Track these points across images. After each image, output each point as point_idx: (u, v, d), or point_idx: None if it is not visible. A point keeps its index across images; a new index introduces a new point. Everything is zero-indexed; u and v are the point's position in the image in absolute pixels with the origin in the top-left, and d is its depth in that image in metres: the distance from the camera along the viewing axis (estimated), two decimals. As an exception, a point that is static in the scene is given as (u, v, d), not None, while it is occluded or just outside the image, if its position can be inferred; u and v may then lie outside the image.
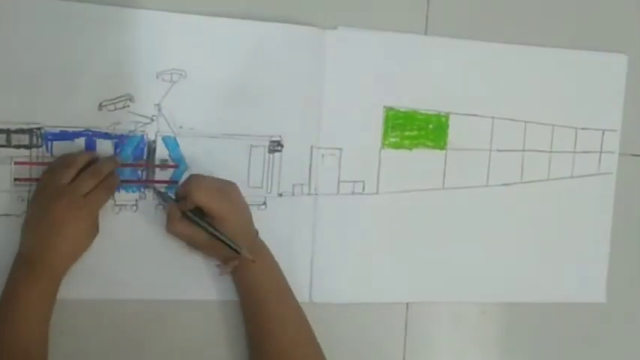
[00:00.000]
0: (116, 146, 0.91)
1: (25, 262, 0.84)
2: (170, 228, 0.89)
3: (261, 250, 0.92)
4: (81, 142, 0.90)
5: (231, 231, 0.87)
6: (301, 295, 0.98)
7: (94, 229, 0.88)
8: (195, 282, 0.95)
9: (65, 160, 0.87)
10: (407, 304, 1.04)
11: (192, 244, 0.91)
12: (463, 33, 1.03)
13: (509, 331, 1.09)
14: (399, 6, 1.02)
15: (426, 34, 1.03)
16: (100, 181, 0.86)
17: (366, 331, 1.04)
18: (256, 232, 0.93)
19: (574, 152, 1.08)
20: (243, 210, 0.91)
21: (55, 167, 0.86)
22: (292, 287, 0.97)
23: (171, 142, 0.93)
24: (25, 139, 0.88)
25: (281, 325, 0.91)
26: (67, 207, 0.83)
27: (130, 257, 0.92)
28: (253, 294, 0.91)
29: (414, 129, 1.02)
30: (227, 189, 0.90)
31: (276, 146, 0.96)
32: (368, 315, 1.03)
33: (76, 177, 0.85)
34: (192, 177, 0.90)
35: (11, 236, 0.88)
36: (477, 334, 1.08)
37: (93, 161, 0.88)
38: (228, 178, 0.92)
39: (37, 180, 0.87)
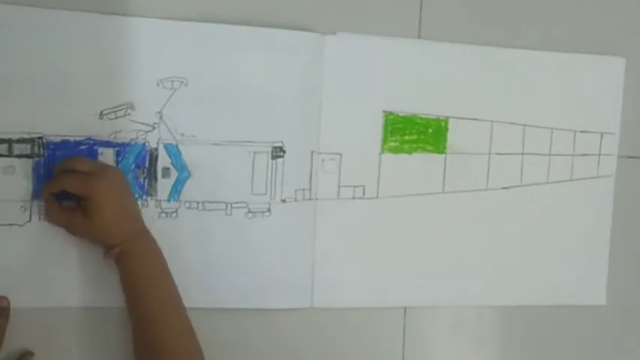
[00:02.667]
0: (118, 154, 0.91)
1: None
2: (47, 217, 0.89)
3: (144, 244, 0.88)
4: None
5: (103, 219, 0.85)
6: (303, 300, 0.99)
7: None
8: (198, 289, 0.95)
9: None
10: (405, 308, 1.05)
11: (72, 232, 0.89)
12: (458, 37, 1.04)
13: (508, 335, 1.09)
14: (393, 11, 1.02)
15: (419, 37, 1.03)
16: None
17: (365, 335, 1.04)
18: (141, 226, 0.89)
19: (573, 155, 1.08)
20: (119, 198, 0.87)
21: None
22: (294, 292, 0.99)
23: (173, 150, 0.93)
24: (26, 148, 0.87)
25: (155, 320, 0.86)
26: None
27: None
28: (131, 286, 0.87)
29: (414, 133, 1.02)
30: (101, 173, 0.86)
31: (278, 152, 0.96)
32: (367, 319, 1.03)
33: None
34: (63, 160, 0.88)
35: (15, 246, 0.88)
36: (476, 338, 1.08)
37: None
38: (232, 186, 0.92)
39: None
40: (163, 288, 0.88)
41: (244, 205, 0.95)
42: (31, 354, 0.90)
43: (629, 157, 1.11)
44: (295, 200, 0.98)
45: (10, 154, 0.87)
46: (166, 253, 0.92)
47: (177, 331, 0.87)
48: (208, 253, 0.95)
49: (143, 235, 0.88)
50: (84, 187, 0.84)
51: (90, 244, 0.89)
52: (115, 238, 0.86)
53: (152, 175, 0.93)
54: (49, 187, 0.87)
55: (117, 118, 0.90)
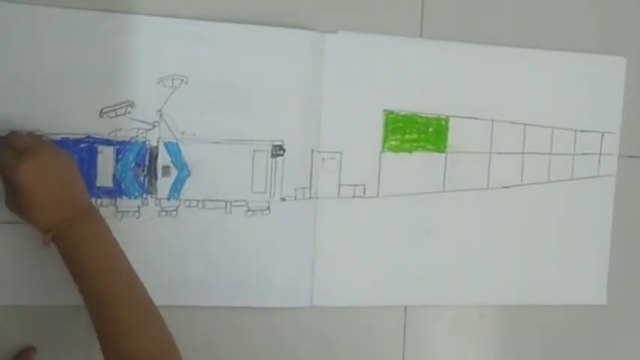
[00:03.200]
0: (118, 153, 0.91)
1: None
2: None
3: (82, 229, 0.83)
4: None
5: (26, 203, 0.81)
6: (303, 298, 0.99)
7: None
8: (197, 287, 0.95)
9: None
10: (405, 307, 1.05)
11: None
12: (459, 36, 1.04)
13: (509, 334, 1.09)
14: (395, 9, 1.02)
15: (421, 36, 1.03)
16: None
17: (365, 334, 1.04)
18: (81, 208, 0.84)
19: (573, 154, 1.08)
20: (47, 181, 0.81)
21: None
22: (294, 291, 0.99)
23: (173, 148, 0.93)
24: (26, 146, 0.87)
25: (110, 303, 0.82)
26: None
27: (133, 264, 0.91)
28: (70, 268, 0.82)
29: (414, 132, 1.02)
30: (30, 154, 0.81)
31: (278, 150, 0.96)
32: (367, 318, 1.03)
33: None
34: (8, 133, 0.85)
35: (13, 244, 0.88)
36: (476, 338, 1.08)
37: None
38: (231, 184, 0.92)
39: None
40: (107, 271, 0.82)
41: (244, 203, 0.96)
42: (33, 349, 0.91)
43: (630, 156, 1.11)
44: (295, 199, 0.98)
45: (10, 152, 0.87)
46: (166, 251, 0.93)
47: (131, 317, 0.82)
48: (208, 251, 0.95)
49: (80, 218, 0.83)
50: (8, 166, 0.80)
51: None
52: (41, 222, 0.82)
53: (152, 174, 0.93)
54: None
55: (117, 116, 0.91)
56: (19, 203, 0.82)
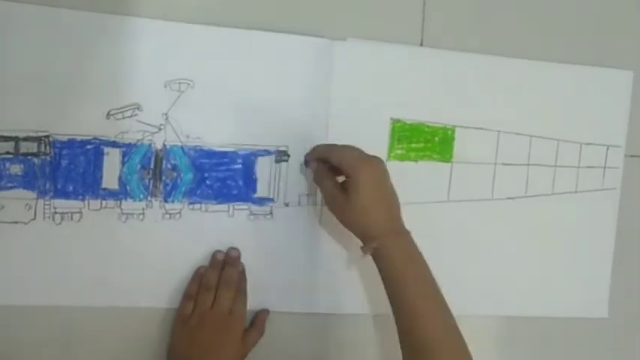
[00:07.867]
0: (123, 155, 0.91)
1: None
2: (316, 178, 0.94)
3: (399, 244, 0.88)
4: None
5: (361, 201, 0.86)
6: (304, 304, 1.00)
7: (242, 350, 0.93)
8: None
9: (206, 283, 0.93)
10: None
11: (332, 209, 0.92)
12: (466, 47, 1.04)
13: (510, 347, 1.09)
14: (402, 18, 1.02)
15: (424, 45, 1.03)
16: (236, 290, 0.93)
17: (366, 341, 1.04)
18: (400, 226, 0.90)
19: (578, 167, 1.08)
20: (379, 188, 0.88)
21: (196, 293, 0.93)
22: (294, 296, 0.99)
23: (178, 152, 0.93)
24: (33, 146, 0.88)
25: (420, 317, 0.85)
26: (216, 333, 0.90)
27: (137, 266, 0.93)
28: (391, 283, 0.87)
29: (421, 141, 1.03)
30: (367, 159, 0.89)
31: (282, 156, 0.97)
32: (369, 325, 1.03)
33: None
34: (337, 146, 0.92)
35: (19, 243, 0.89)
36: (477, 349, 1.07)
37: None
38: (235, 188, 0.92)
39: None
40: (418, 291, 0.87)
41: (247, 207, 0.96)
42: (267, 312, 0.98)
43: (635, 171, 1.11)
44: (299, 204, 0.98)
45: (16, 152, 0.88)
46: (170, 253, 0.94)
47: (438, 331, 0.86)
48: (210, 254, 0.95)
49: (400, 235, 0.88)
50: (352, 165, 0.87)
51: (95, 243, 0.91)
52: (370, 228, 0.87)
53: (157, 176, 0.93)
54: (319, 149, 0.94)
55: (124, 118, 0.91)
56: (347, 201, 0.87)
